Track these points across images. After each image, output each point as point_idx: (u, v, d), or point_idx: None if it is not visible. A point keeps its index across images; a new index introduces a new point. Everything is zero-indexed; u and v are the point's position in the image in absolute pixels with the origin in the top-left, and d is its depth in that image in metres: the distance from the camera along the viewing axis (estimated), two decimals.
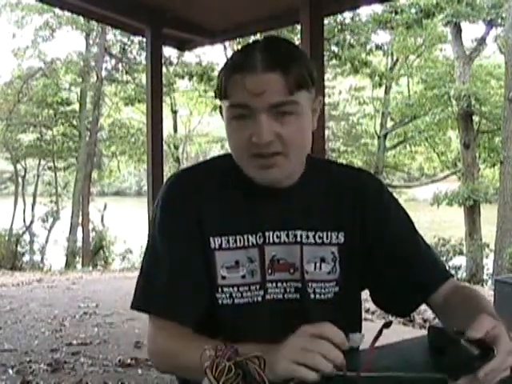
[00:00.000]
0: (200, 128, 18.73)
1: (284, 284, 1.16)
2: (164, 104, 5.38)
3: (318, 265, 1.17)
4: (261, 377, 0.82)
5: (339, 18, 12.67)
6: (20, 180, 15.98)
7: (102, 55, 14.74)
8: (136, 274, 1.17)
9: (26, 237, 14.45)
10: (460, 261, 11.96)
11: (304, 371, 0.83)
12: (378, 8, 13.18)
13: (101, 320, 4.99)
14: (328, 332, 0.86)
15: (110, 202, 17.42)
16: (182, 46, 5.74)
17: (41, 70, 14.97)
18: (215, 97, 1.15)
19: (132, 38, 13.93)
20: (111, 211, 16.27)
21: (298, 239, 1.16)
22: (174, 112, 16.99)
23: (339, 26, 12.92)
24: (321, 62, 4.13)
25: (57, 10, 13.46)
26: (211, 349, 0.84)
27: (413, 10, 12.78)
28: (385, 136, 16.43)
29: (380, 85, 15.70)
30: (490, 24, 13.22)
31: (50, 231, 14.86)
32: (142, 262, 1.18)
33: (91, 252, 13.92)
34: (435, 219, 18.37)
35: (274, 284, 1.15)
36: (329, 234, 1.17)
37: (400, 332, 0.96)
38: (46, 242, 14.72)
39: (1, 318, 5.11)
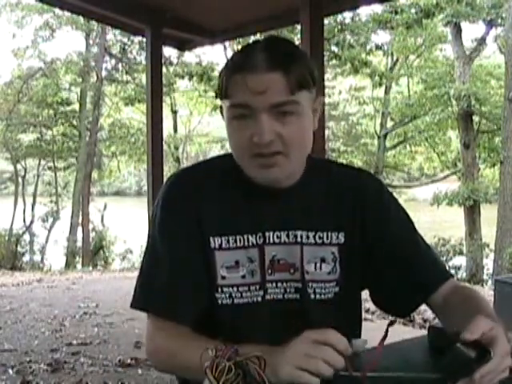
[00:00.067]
0: (200, 128, 18.73)
1: (284, 284, 1.16)
2: (164, 104, 5.38)
3: (318, 265, 1.17)
4: (261, 377, 0.82)
5: (339, 18, 12.67)
6: (20, 180, 15.98)
7: (102, 55, 14.74)
8: (136, 273, 1.17)
9: (26, 237, 14.45)
10: (460, 261, 11.96)
11: (307, 377, 0.84)
12: (378, 8, 13.20)
13: (101, 320, 4.99)
14: (331, 338, 0.86)
15: (110, 202, 17.41)
16: (182, 46, 5.74)
17: (41, 70, 14.97)
18: (216, 97, 1.15)
19: (132, 37, 13.93)
20: (111, 211, 16.27)
21: (299, 239, 1.16)
22: (174, 112, 16.99)
23: (339, 26, 12.93)
24: (321, 62, 4.13)
25: (57, 10, 13.46)
26: (213, 349, 0.84)
27: (413, 10, 12.79)
28: (385, 136, 16.43)
29: (380, 85, 15.70)
30: (490, 24, 13.22)
31: (50, 231, 14.86)
32: (142, 262, 1.18)
33: (91, 252, 13.92)
34: (435, 219, 18.36)
35: (274, 284, 1.15)
36: (329, 234, 1.17)
37: (400, 332, 0.96)
38: (46, 242, 14.72)
39: (1, 318, 5.11)
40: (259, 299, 1.14)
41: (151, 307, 1.13)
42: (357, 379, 0.90)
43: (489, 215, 12.37)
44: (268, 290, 1.15)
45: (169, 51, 13.35)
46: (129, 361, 3.73)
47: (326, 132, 13.00)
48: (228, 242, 1.14)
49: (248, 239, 1.14)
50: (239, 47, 1.15)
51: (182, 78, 15.08)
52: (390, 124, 16.77)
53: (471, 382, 0.84)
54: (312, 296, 1.16)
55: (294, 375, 0.84)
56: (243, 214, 1.15)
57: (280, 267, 1.15)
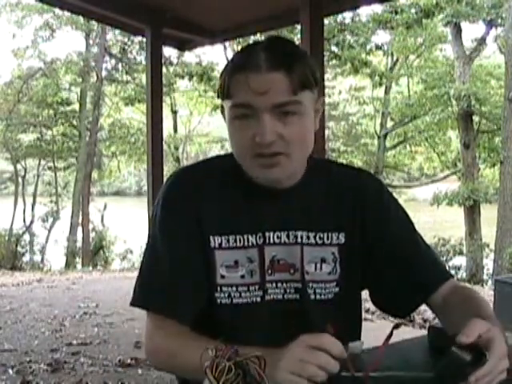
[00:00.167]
0: (200, 128, 18.72)
1: (284, 284, 1.16)
2: (164, 104, 5.38)
3: (318, 265, 1.17)
4: (261, 377, 0.82)
5: (339, 18, 12.67)
6: (20, 180, 15.98)
7: (102, 55, 14.74)
8: (136, 273, 1.17)
9: (26, 237, 14.44)
10: (460, 261, 11.96)
11: (302, 383, 0.84)
12: (378, 8, 13.20)
13: (101, 320, 4.99)
14: (326, 343, 0.86)
15: (110, 201, 17.41)
16: (182, 45, 5.74)
17: (41, 70, 14.97)
18: (217, 96, 1.14)
19: (132, 37, 13.93)
20: (111, 211, 16.27)
21: (299, 240, 1.16)
22: (174, 112, 16.98)
23: (339, 26, 12.93)
24: (321, 62, 4.13)
25: (57, 10, 13.45)
26: (213, 349, 0.84)
27: (413, 10, 12.78)
28: (385, 136, 16.43)
29: (380, 85, 15.69)
30: (490, 24, 13.22)
31: (50, 231, 14.86)
32: (142, 260, 1.18)
33: (91, 252, 13.92)
34: (435, 219, 18.36)
35: (274, 284, 1.15)
36: (329, 234, 1.17)
37: (400, 332, 0.96)
38: (46, 242, 14.71)
39: (1, 318, 5.11)
40: (258, 299, 1.14)
41: (151, 305, 1.13)
42: (359, 379, 0.90)
43: (489, 215, 12.37)
44: (268, 291, 1.15)
45: (169, 51, 13.37)
46: (129, 361, 3.73)
47: (326, 132, 12.99)
48: (228, 241, 1.14)
49: (248, 239, 1.14)
50: (239, 47, 1.15)
51: (182, 78, 15.08)
52: (390, 124, 16.77)
53: None
54: (312, 296, 1.16)
55: (290, 381, 0.85)
56: (243, 214, 1.15)
57: (280, 267, 1.15)
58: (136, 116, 16.62)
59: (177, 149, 16.99)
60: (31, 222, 14.82)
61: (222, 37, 5.46)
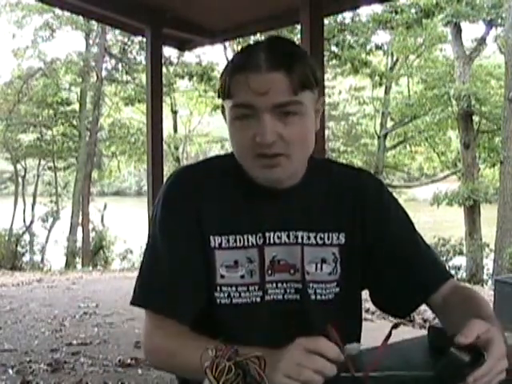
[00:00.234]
0: (200, 128, 18.72)
1: (284, 285, 1.16)
2: (164, 104, 5.38)
3: (318, 266, 1.17)
4: (261, 377, 0.82)
5: (339, 18, 12.67)
6: (20, 180, 15.97)
7: (101, 55, 14.74)
8: (136, 273, 1.17)
9: (26, 237, 14.44)
10: (460, 261, 11.96)
11: None
12: (378, 8, 13.19)
13: (101, 320, 4.99)
14: (322, 347, 0.86)
15: (110, 201, 17.41)
16: (182, 46, 5.74)
17: (41, 70, 14.96)
18: (218, 96, 1.14)
19: (132, 37, 13.93)
20: (111, 211, 16.27)
21: (299, 240, 1.16)
22: (174, 112, 16.98)
23: (339, 26, 12.92)
24: (321, 62, 4.13)
25: (57, 10, 13.45)
26: (213, 349, 0.84)
27: (413, 10, 12.78)
28: (385, 136, 16.43)
29: (380, 85, 15.70)
30: (490, 24, 13.22)
31: (50, 231, 14.86)
32: (143, 260, 1.18)
33: (91, 252, 13.92)
34: (435, 219, 18.36)
35: (274, 285, 1.15)
36: (330, 234, 1.17)
37: (400, 332, 0.97)
38: (46, 242, 14.71)
39: (1, 318, 5.11)
40: (258, 300, 1.14)
41: (151, 305, 1.13)
42: (359, 379, 0.90)
43: (489, 215, 12.36)
44: (268, 291, 1.15)
45: (169, 51, 13.37)
46: (129, 361, 3.73)
47: (326, 132, 12.99)
48: (228, 241, 1.14)
49: (248, 239, 1.14)
50: (239, 47, 1.15)
51: (182, 78, 15.08)
52: (390, 124, 16.77)
53: None
54: (312, 297, 1.16)
55: None
56: (243, 214, 1.15)
57: (280, 268, 1.15)
58: (136, 116, 16.62)
59: (177, 149, 16.99)
60: (31, 222, 14.82)
61: (221, 37, 5.46)
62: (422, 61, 16.04)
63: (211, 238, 1.13)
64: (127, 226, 16.33)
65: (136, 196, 29.58)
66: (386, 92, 16.40)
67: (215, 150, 18.42)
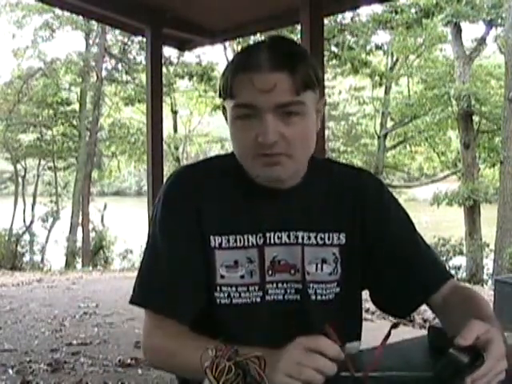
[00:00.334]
0: (200, 128, 18.71)
1: (284, 285, 1.16)
2: (164, 104, 5.38)
3: (319, 266, 1.17)
4: (261, 377, 0.82)
5: (339, 18, 12.67)
6: (20, 180, 15.97)
7: (101, 55, 14.73)
8: (136, 273, 1.17)
9: (26, 237, 14.44)
10: (460, 261, 11.96)
11: None
12: (378, 8, 13.19)
13: (101, 320, 4.99)
14: (323, 346, 0.86)
15: (110, 201, 17.41)
16: (182, 46, 5.74)
17: (41, 70, 14.96)
18: (219, 96, 1.14)
19: (132, 37, 13.93)
20: (111, 211, 16.27)
21: (300, 240, 1.16)
22: (174, 112, 16.98)
23: (339, 26, 12.92)
24: (321, 62, 4.13)
25: (57, 10, 13.45)
26: (213, 349, 0.84)
27: (413, 10, 12.79)
28: (385, 136, 16.43)
29: (380, 85, 15.70)
30: (490, 24, 13.21)
31: (50, 231, 14.86)
32: (142, 259, 1.18)
33: (91, 252, 13.92)
34: (435, 219, 18.35)
35: (275, 285, 1.15)
36: (330, 234, 1.17)
37: (400, 332, 0.97)
38: (46, 242, 14.71)
39: (1, 318, 5.11)
40: (258, 300, 1.14)
41: (150, 304, 1.13)
42: (359, 379, 0.90)
43: (489, 215, 12.36)
44: (268, 291, 1.15)
45: (169, 51, 13.37)
46: (129, 361, 3.73)
47: (326, 132, 12.99)
48: (228, 241, 1.14)
49: (248, 239, 1.14)
50: (239, 47, 1.15)
51: (182, 78, 15.08)
52: (390, 124, 16.77)
53: None
54: (313, 297, 1.16)
55: (286, 383, 0.85)
56: (243, 214, 1.15)
57: (280, 268, 1.15)
58: (136, 116, 16.62)
59: (177, 149, 16.99)
60: (31, 222, 14.82)
61: (221, 37, 5.46)
62: (422, 61, 16.04)
63: (211, 237, 1.13)
64: (127, 225, 16.33)
65: (136, 196, 29.57)
66: (386, 92, 16.40)
67: (215, 150, 18.41)
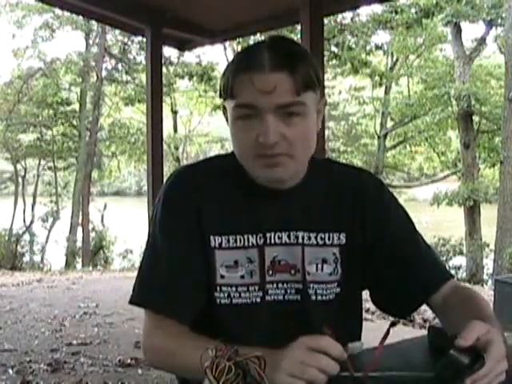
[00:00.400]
0: (200, 128, 18.71)
1: (285, 285, 1.15)
2: (164, 104, 5.38)
3: (319, 266, 1.16)
4: (261, 377, 0.82)
5: (339, 18, 12.67)
6: (20, 180, 15.97)
7: (101, 55, 14.73)
8: (136, 273, 1.17)
9: (26, 237, 14.43)
10: (460, 261, 11.96)
11: None
12: (377, 8, 13.19)
13: (101, 320, 4.99)
14: (326, 345, 0.86)
15: (110, 201, 17.41)
16: (182, 45, 5.74)
17: (41, 70, 14.96)
18: (220, 96, 1.14)
19: (132, 37, 13.93)
20: (111, 211, 16.27)
21: (300, 240, 1.16)
22: (174, 112, 16.98)
23: (339, 26, 12.92)
24: (321, 62, 4.13)
25: (57, 10, 13.45)
26: (213, 349, 0.84)
27: (413, 10, 12.78)
28: (385, 136, 16.43)
29: (380, 85, 15.69)
30: (490, 24, 13.22)
31: (50, 231, 14.86)
32: (142, 258, 1.17)
33: (91, 252, 13.92)
34: (435, 219, 18.35)
35: (275, 285, 1.15)
36: (330, 235, 1.17)
37: (400, 332, 0.97)
38: (46, 242, 14.71)
39: (1, 318, 5.11)
40: (258, 300, 1.14)
41: (150, 304, 1.13)
42: (358, 379, 0.90)
43: (489, 215, 12.36)
44: (268, 291, 1.15)
45: (169, 51, 13.37)
46: (129, 361, 3.73)
47: (326, 132, 12.99)
48: (228, 241, 1.13)
49: (248, 239, 1.14)
50: (239, 47, 1.15)
51: (182, 78, 15.08)
52: (390, 124, 16.77)
53: None
54: (313, 297, 1.16)
55: (289, 383, 0.85)
56: (243, 214, 1.15)
57: (281, 268, 1.15)
58: (136, 116, 16.62)
59: (177, 149, 16.99)
60: (31, 222, 14.82)
61: (222, 37, 5.46)
62: (422, 61, 16.04)
63: (211, 237, 1.13)
64: (127, 225, 16.33)
65: (136, 196, 29.57)
66: (386, 92, 16.40)
67: (215, 150, 18.41)
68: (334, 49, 13.34)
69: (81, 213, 14.50)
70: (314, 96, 1.10)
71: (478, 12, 12.68)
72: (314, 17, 3.95)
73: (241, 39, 11.08)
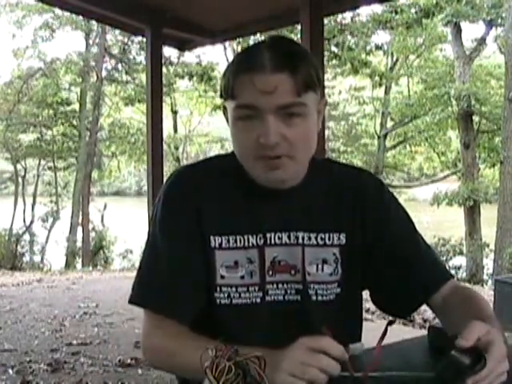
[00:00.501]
0: (200, 128, 18.71)
1: (285, 285, 1.15)
2: (164, 104, 5.38)
3: (319, 266, 1.16)
4: (261, 377, 0.82)
5: (339, 18, 12.67)
6: (20, 180, 15.97)
7: (101, 55, 14.73)
8: (136, 273, 1.17)
9: (26, 237, 14.43)
10: (460, 261, 11.96)
11: None
12: (377, 8, 13.19)
13: (101, 320, 4.99)
14: (326, 346, 0.86)
15: (110, 201, 17.41)
16: (182, 45, 5.74)
17: (41, 70, 14.96)
18: (220, 97, 1.14)
19: (132, 37, 13.93)
20: (111, 211, 16.26)
21: (300, 241, 1.15)
22: (174, 112, 16.98)
23: (339, 27, 12.92)
24: (321, 62, 4.14)
25: (57, 10, 13.45)
26: (213, 349, 0.84)
27: (413, 10, 12.78)
28: (385, 136, 16.43)
29: (380, 85, 15.69)
30: (490, 24, 13.21)
31: (50, 231, 14.85)
32: (142, 258, 1.17)
33: (91, 252, 13.92)
34: (435, 219, 18.35)
35: (275, 285, 1.15)
36: (330, 235, 1.17)
37: (400, 332, 0.97)
38: (46, 242, 14.70)
39: (1, 318, 5.11)
40: (258, 300, 1.14)
41: (150, 304, 1.13)
42: (358, 379, 0.90)
43: (489, 215, 12.36)
44: (268, 292, 1.15)
45: (169, 51, 13.36)
46: (129, 361, 3.73)
47: (326, 132, 13.00)
48: (228, 241, 1.13)
49: (248, 239, 1.14)
50: (239, 47, 1.15)
51: (182, 78, 15.07)
52: (390, 124, 16.77)
53: None
54: (313, 297, 1.16)
55: (289, 383, 0.85)
56: (243, 214, 1.15)
57: (281, 268, 1.15)
58: (136, 116, 16.62)
59: (177, 149, 16.99)
60: (31, 222, 14.82)
61: (222, 37, 5.46)
62: (422, 61, 16.04)
63: (211, 238, 1.13)
64: (127, 225, 16.33)
65: (136, 196, 29.56)
66: (386, 92, 16.40)
67: (215, 150, 18.41)
68: (334, 49, 13.34)
69: (81, 213, 14.50)
70: (315, 96, 1.10)
71: (478, 12, 12.68)
72: (314, 17, 3.95)
73: (241, 39, 11.08)
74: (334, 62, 14.10)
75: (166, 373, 1.25)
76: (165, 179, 1.23)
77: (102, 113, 15.93)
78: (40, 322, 4.94)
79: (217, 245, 1.13)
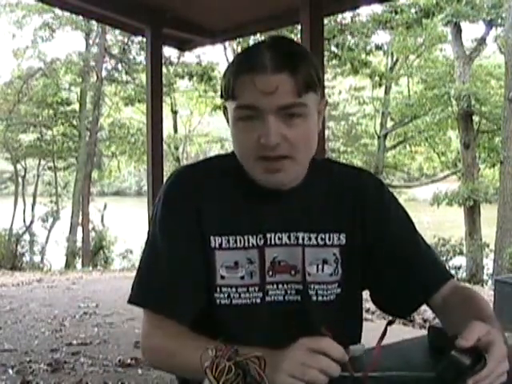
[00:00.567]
0: (200, 128, 18.71)
1: (285, 286, 1.15)
2: (164, 104, 5.38)
3: (320, 267, 1.16)
4: (261, 377, 0.82)
5: (339, 18, 12.67)
6: (20, 180, 15.97)
7: (101, 55, 14.73)
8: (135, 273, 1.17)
9: (26, 237, 14.43)
10: (460, 261, 11.95)
11: None
12: (377, 8, 13.18)
13: (101, 320, 4.99)
14: (327, 347, 0.86)
15: (110, 201, 17.41)
16: (182, 45, 5.74)
17: (41, 70, 14.96)
18: (221, 97, 1.14)
19: (132, 37, 13.92)
20: (111, 211, 16.26)
21: (300, 241, 1.15)
22: (174, 112, 16.98)
23: (339, 27, 12.92)
24: (321, 62, 4.14)
25: (57, 10, 13.45)
26: (213, 349, 0.84)
27: (413, 10, 12.78)
28: (385, 136, 16.43)
29: (380, 85, 15.69)
30: (490, 24, 13.21)
31: (50, 231, 14.85)
32: (142, 258, 1.17)
33: (91, 252, 13.92)
34: (435, 219, 18.35)
35: (275, 286, 1.15)
36: (331, 235, 1.17)
37: (400, 332, 0.97)
38: (46, 242, 14.70)
39: (1, 318, 5.11)
40: (258, 300, 1.14)
41: (150, 304, 1.13)
42: (358, 379, 0.90)
43: (489, 215, 12.36)
44: (268, 292, 1.15)
45: (169, 51, 13.36)
46: (129, 361, 3.73)
47: (326, 132, 13.00)
48: (228, 241, 1.13)
49: (248, 240, 1.14)
50: (239, 47, 1.15)
51: (182, 78, 15.07)
52: (390, 124, 16.77)
53: None
54: (314, 298, 1.16)
55: None
56: (244, 214, 1.14)
57: (281, 269, 1.15)
58: (136, 116, 16.62)
59: (177, 149, 16.98)
60: (31, 222, 14.81)
61: (222, 37, 5.46)
62: (422, 61, 16.04)
63: (211, 238, 1.13)
64: (127, 225, 16.33)
65: (136, 196, 29.55)
66: (386, 92, 16.40)
67: (215, 150, 18.41)
68: (334, 49, 13.34)
69: (81, 213, 14.50)
70: (315, 97, 1.10)
71: (478, 12, 12.68)
72: (314, 17, 3.95)
73: (241, 39, 11.09)
74: (333, 62, 14.10)
75: (166, 373, 1.25)
76: (165, 179, 1.23)
77: (102, 113, 15.94)
78: (40, 321, 4.94)
79: (217, 245, 1.13)
